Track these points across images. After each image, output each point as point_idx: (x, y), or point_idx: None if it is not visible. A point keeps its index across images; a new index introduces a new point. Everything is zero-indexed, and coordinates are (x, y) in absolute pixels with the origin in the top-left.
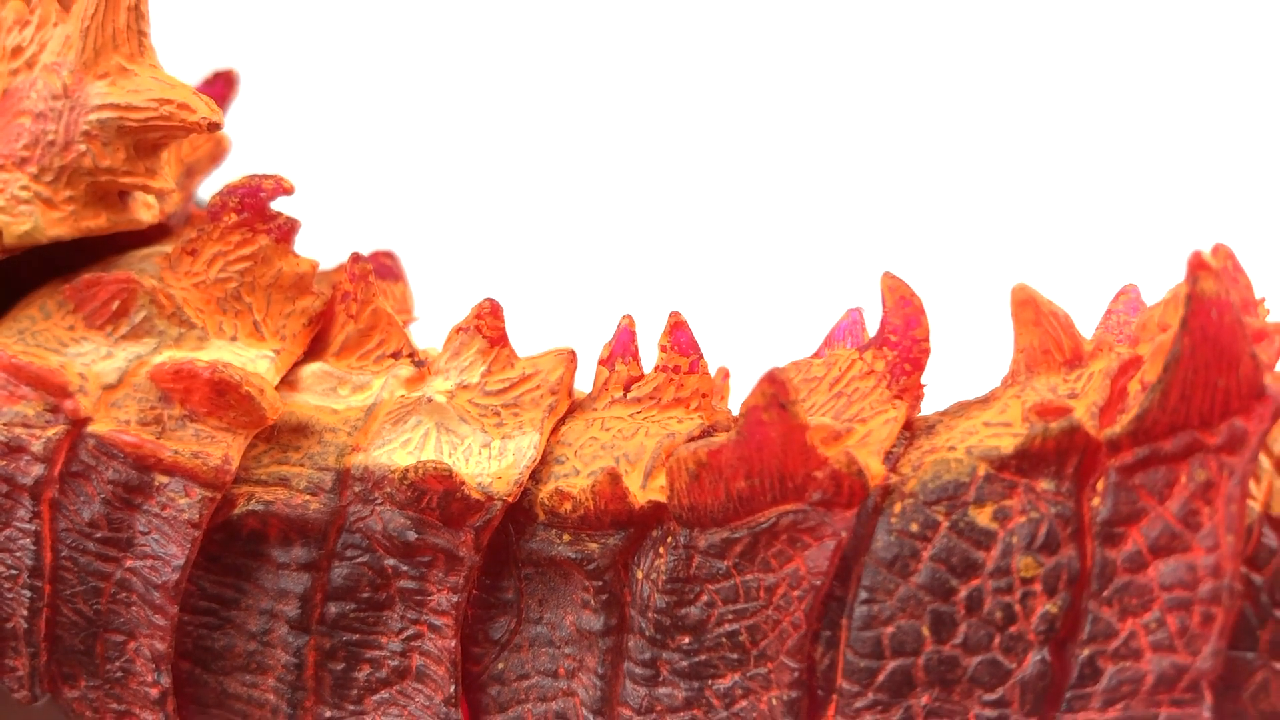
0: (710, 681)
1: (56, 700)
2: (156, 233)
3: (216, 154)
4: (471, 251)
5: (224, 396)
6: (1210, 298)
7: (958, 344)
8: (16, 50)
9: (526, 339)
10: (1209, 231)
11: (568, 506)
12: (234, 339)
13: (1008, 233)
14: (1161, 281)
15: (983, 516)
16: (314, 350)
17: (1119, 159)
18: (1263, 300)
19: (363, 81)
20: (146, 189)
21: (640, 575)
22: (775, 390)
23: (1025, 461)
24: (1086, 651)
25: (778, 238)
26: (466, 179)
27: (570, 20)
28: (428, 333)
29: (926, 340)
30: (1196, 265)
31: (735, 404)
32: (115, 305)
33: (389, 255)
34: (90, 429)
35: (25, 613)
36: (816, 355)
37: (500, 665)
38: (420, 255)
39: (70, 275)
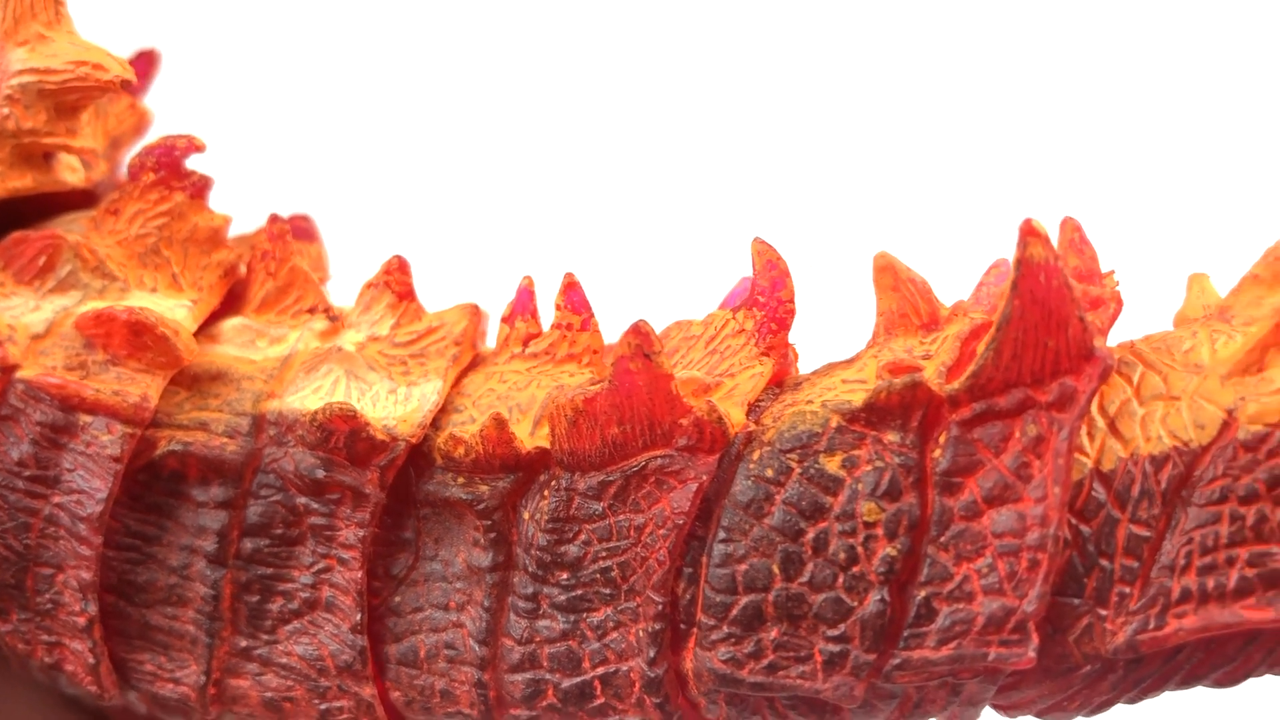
0: (585, 614)
1: None
2: (85, 201)
3: (140, 126)
4: (386, 216)
5: (141, 338)
6: (1039, 262)
7: (841, 309)
8: None
9: (437, 299)
10: (1072, 208)
11: (461, 451)
12: (154, 290)
13: (887, 207)
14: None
15: (832, 464)
16: (234, 306)
17: (990, 141)
18: (1111, 273)
19: (280, 54)
20: (68, 149)
21: (526, 516)
22: (639, 341)
23: (873, 414)
24: (923, 593)
25: (678, 210)
26: (381, 147)
27: None
28: (342, 292)
29: (792, 302)
30: (1027, 232)
31: None
32: (42, 260)
33: (305, 218)
34: (19, 375)
35: None
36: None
37: (397, 598)
38: (336, 219)
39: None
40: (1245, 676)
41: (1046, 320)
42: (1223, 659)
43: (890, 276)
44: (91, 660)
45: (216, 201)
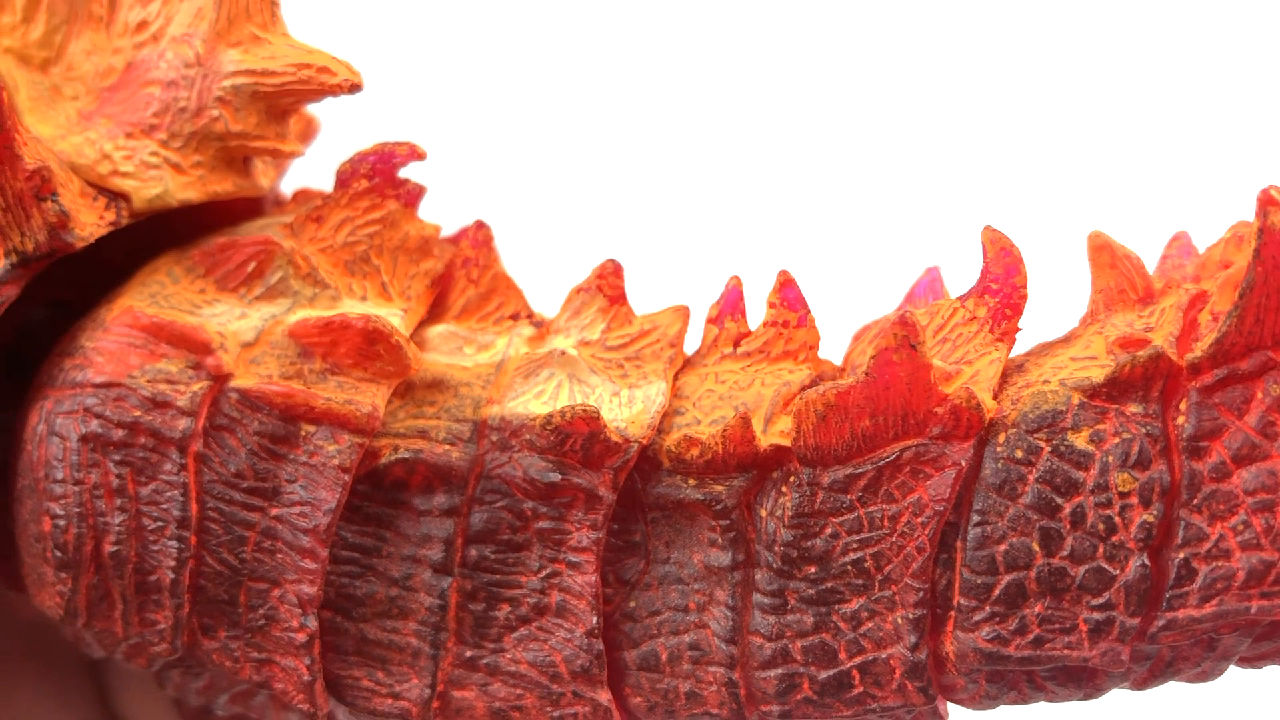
0: (837, 606)
1: (193, 653)
2: (250, 208)
3: (306, 134)
4: (573, 224)
5: (374, 346)
6: (1279, 230)
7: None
8: (141, 25)
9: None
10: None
11: (695, 452)
12: (364, 299)
13: (1069, 189)
14: (1204, 228)
15: (1080, 440)
16: (434, 314)
17: (1174, 132)
18: None
19: (450, 65)
20: (277, 153)
21: (764, 514)
22: (907, 332)
23: (1115, 388)
24: (1181, 555)
25: (862, 209)
26: (567, 151)
27: None
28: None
29: (1025, 287)
30: (1267, 201)
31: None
32: (251, 267)
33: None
34: (233, 384)
35: (172, 564)
36: (899, 311)
37: (632, 603)
38: (516, 227)
39: (196, 242)
40: None
41: None
42: None
43: (1107, 254)
44: (307, 677)
45: None
